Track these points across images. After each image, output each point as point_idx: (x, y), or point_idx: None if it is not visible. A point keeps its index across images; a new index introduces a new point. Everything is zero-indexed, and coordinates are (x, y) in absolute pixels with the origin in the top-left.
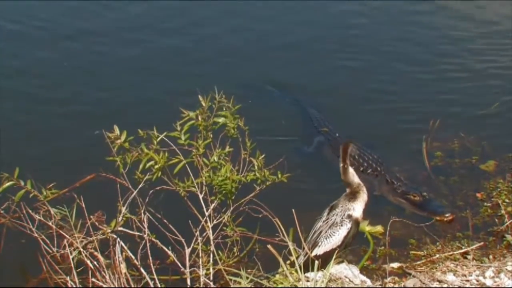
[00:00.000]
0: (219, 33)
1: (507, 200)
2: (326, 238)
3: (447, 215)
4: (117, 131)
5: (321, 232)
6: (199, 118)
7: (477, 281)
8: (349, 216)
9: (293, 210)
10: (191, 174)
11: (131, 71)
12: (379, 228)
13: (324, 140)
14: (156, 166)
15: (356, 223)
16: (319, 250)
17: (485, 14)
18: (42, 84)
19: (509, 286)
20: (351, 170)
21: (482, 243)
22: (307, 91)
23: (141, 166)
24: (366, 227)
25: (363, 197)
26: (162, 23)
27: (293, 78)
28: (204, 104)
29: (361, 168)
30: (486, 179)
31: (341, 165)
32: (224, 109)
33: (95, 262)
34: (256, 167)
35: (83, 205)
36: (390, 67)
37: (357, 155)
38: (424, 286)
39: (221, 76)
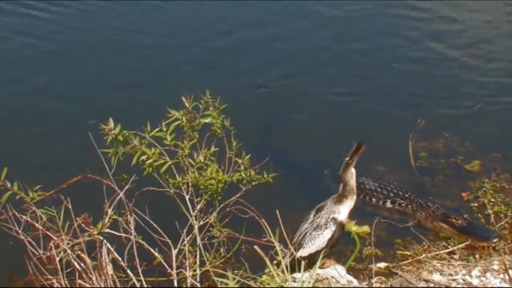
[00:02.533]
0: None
1: (493, 200)
2: (310, 240)
3: (494, 240)
4: (111, 124)
5: (306, 234)
6: (184, 119)
7: (464, 280)
8: (334, 219)
9: (277, 211)
10: (177, 175)
11: (118, 72)
12: (365, 228)
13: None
14: (149, 161)
15: (340, 226)
16: (303, 252)
17: (471, 16)
18: (29, 85)
19: (495, 285)
20: (353, 170)
21: (468, 242)
22: (287, 91)
23: (135, 159)
24: (352, 227)
25: (350, 201)
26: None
27: (274, 76)
28: (187, 105)
29: (389, 200)
30: (471, 179)
31: (347, 159)
32: (210, 108)
33: (81, 264)
34: (242, 167)
35: (70, 207)
36: (373, 65)
37: (378, 188)
38: (410, 285)
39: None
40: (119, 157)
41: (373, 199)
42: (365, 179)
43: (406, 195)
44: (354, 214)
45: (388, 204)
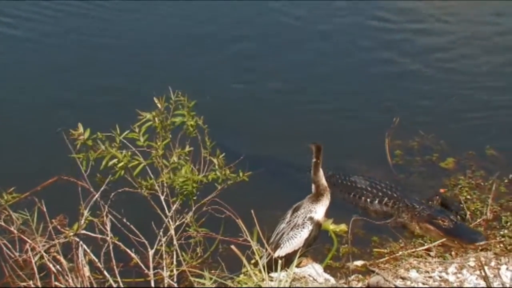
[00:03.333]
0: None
1: (468, 197)
2: (288, 240)
3: (481, 242)
4: (81, 129)
5: (283, 233)
6: (156, 120)
7: (440, 277)
8: (311, 219)
9: (252, 211)
10: (152, 176)
11: (89, 74)
12: (343, 227)
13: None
14: (119, 165)
15: (317, 225)
16: (281, 252)
17: (443, 13)
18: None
19: (472, 281)
20: (321, 171)
21: (444, 239)
22: (262, 90)
23: (103, 163)
24: (330, 226)
25: (326, 200)
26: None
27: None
28: (160, 106)
29: (377, 199)
30: (447, 176)
31: (314, 160)
32: (180, 107)
33: (57, 266)
34: (216, 166)
35: (44, 209)
36: (347, 65)
37: (368, 186)
38: (387, 283)
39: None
40: (92, 160)
41: (362, 198)
42: (357, 177)
43: (394, 195)
44: (331, 212)
45: (376, 203)
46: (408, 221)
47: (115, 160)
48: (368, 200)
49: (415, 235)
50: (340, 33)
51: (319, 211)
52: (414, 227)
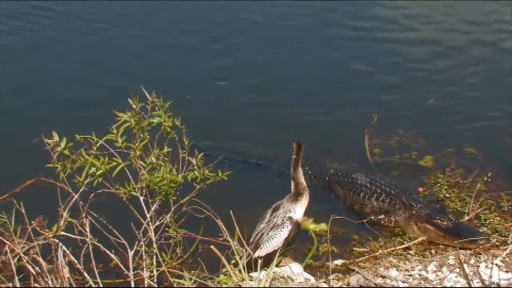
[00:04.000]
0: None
1: (447, 195)
2: (267, 240)
3: (482, 242)
4: (56, 138)
5: (263, 234)
6: (132, 121)
7: (420, 275)
8: (290, 218)
9: (231, 212)
10: (131, 177)
11: (67, 78)
12: (323, 226)
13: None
14: (98, 172)
15: (296, 224)
16: (261, 252)
17: (417, 12)
18: None
19: (451, 279)
20: (300, 169)
21: (423, 237)
22: (244, 88)
23: (83, 174)
24: (310, 225)
25: (304, 200)
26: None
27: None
28: (134, 107)
29: (374, 196)
30: (426, 174)
31: (294, 156)
32: (156, 108)
33: (37, 268)
34: (195, 166)
35: (23, 211)
36: (325, 63)
37: (368, 183)
38: (367, 282)
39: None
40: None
41: (361, 194)
42: (358, 174)
43: (392, 192)
44: (311, 211)
45: (373, 200)
46: (405, 221)
47: (93, 169)
48: (366, 196)
49: (410, 236)
50: (317, 33)
51: (298, 210)
52: (411, 227)
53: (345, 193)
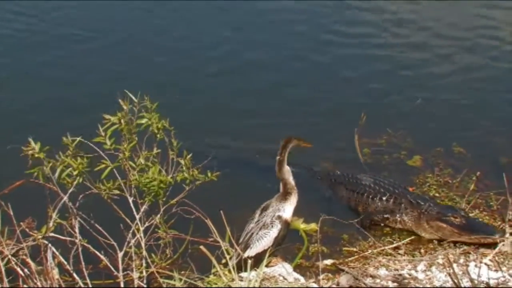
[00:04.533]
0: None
1: (437, 195)
2: (257, 240)
3: (498, 235)
4: (32, 144)
5: (252, 233)
6: (122, 122)
7: (409, 275)
8: (279, 217)
9: (221, 212)
10: (120, 179)
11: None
12: (313, 226)
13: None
14: (75, 173)
15: (286, 224)
16: (251, 252)
17: (406, 17)
18: None
19: (441, 278)
20: (287, 168)
21: (413, 237)
22: (233, 92)
23: (57, 174)
24: (300, 225)
25: (293, 199)
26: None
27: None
28: (125, 108)
29: (378, 196)
30: (415, 174)
31: (277, 157)
32: (142, 110)
33: (26, 269)
34: (184, 167)
35: (11, 212)
36: (312, 64)
37: (371, 183)
38: (357, 282)
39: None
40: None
41: (364, 195)
42: (363, 175)
43: (396, 191)
44: (301, 211)
45: (376, 200)
46: (415, 220)
47: (70, 169)
48: (370, 196)
49: (422, 236)
50: (308, 30)
51: (287, 209)
52: (422, 226)
53: (349, 194)
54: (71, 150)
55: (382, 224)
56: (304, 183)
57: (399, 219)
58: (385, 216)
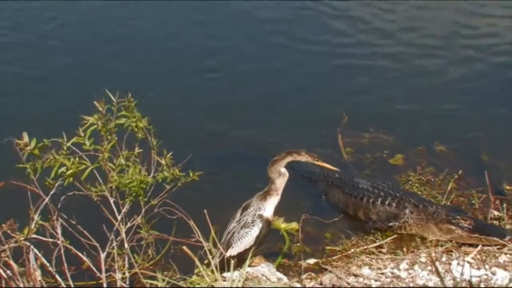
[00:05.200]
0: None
1: (419, 193)
2: (239, 239)
3: (508, 238)
4: (26, 138)
5: (234, 233)
6: (99, 123)
7: (392, 273)
8: (260, 216)
9: (205, 211)
10: (100, 179)
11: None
12: (294, 225)
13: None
14: (68, 172)
15: (267, 222)
16: (233, 251)
17: (387, 12)
18: None
19: (423, 277)
20: (281, 170)
21: (395, 236)
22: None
23: (53, 173)
24: (281, 224)
25: (274, 198)
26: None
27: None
28: (100, 109)
29: (379, 200)
30: (397, 173)
31: (274, 158)
32: (122, 109)
33: (8, 271)
34: (164, 166)
35: None
36: (296, 63)
37: (370, 187)
38: (340, 281)
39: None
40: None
41: (364, 199)
42: (359, 178)
43: (397, 194)
44: (282, 210)
45: (378, 204)
46: (422, 223)
47: (63, 168)
48: (370, 201)
49: (430, 238)
50: (290, 30)
51: (268, 208)
52: (431, 229)
53: (347, 198)
54: (65, 149)
55: (388, 230)
56: (296, 183)
57: (404, 224)
58: (391, 224)
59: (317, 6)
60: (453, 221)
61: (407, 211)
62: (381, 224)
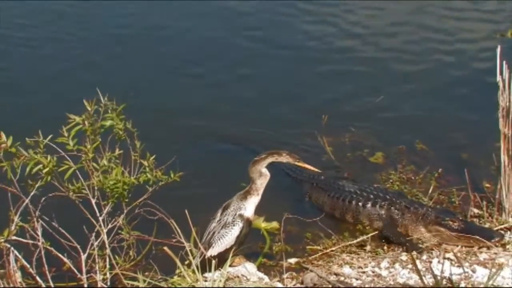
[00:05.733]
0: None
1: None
2: (219, 239)
3: (497, 239)
4: (3, 137)
5: (214, 233)
6: (86, 123)
7: (373, 272)
8: (241, 216)
9: (186, 211)
10: (82, 180)
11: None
12: (274, 224)
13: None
14: (45, 170)
15: (247, 222)
16: (213, 251)
17: (368, 12)
18: None
19: (404, 275)
20: (262, 170)
21: (375, 232)
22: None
23: (27, 170)
24: (261, 224)
25: (254, 198)
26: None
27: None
28: (89, 108)
29: (369, 202)
30: (377, 171)
31: (256, 158)
32: (109, 111)
33: None
34: (147, 168)
35: None
36: (276, 63)
37: (358, 190)
38: (321, 280)
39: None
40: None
41: (353, 202)
42: (345, 182)
43: (387, 197)
44: (263, 210)
45: (368, 207)
46: (412, 224)
47: (40, 166)
48: (360, 204)
49: (420, 239)
50: (267, 31)
51: (248, 208)
52: (420, 230)
53: (333, 201)
54: (41, 147)
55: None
56: (280, 183)
57: (395, 225)
58: (383, 232)
59: (292, 11)
60: (442, 223)
61: (398, 213)
62: (373, 226)
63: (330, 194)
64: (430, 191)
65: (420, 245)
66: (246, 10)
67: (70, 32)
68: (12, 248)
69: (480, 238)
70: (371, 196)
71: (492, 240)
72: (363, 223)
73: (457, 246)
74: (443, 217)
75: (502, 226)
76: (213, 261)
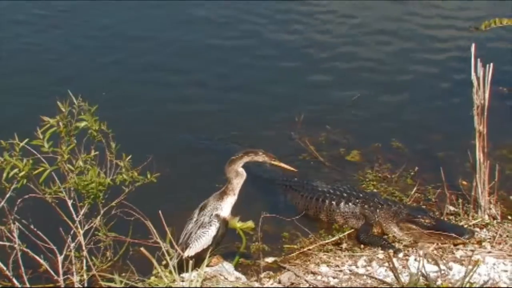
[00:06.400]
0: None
1: (375, 190)
2: (196, 240)
3: (467, 236)
4: None
5: (191, 233)
6: (60, 124)
7: (350, 270)
8: (217, 216)
9: (160, 212)
10: (58, 181)
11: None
12: (250, 224)
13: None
14: (21, 174)
15: (224, 222)
16: (190, 252)
17: (347, 11)
18: None
19: (381, 273)
20: (238, 170)
21: (351, 230)
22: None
23: (4, 175)
24: (237, 224)
25: (231, 198)
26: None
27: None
28: (63, 110)
29: (342, 201)
30: (354, 170)
31: (232, 157)
32: (82, 113)
33: None
34: (123, 168)
35: None
36: (252, 62)
37: (331, 189)
38: (298, 279)
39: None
40: None
41: (326, 201)
42: (318, 181)
43: (360, 195)
44: (238, 210)
45: (342, 205)
46: (384, 222)
47: (16, 170)
48: (334, 203)
49: (393, 236)
50: (246, 32)
51: (225, 208)
52: (392, 228)
53: (307, 201)
54: (17, 151)
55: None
56: (256, 182)
57: (369, 223)
58: (359, 235)
59: (269, 20)
60: (414, 220)
61: (374, 210)
62: (348, 224)
63: (303, 194)
64: (413, 191)
65: (397, 244)
66: (224, 20)
67: (46, 37)
68: None
69: (451, 235)
70: (344, 195)
71: (463, 237)
72: (338, 222)
73: (433, 243)
74: (415, 214)
75: (475, 222)
76: (190, 261)
